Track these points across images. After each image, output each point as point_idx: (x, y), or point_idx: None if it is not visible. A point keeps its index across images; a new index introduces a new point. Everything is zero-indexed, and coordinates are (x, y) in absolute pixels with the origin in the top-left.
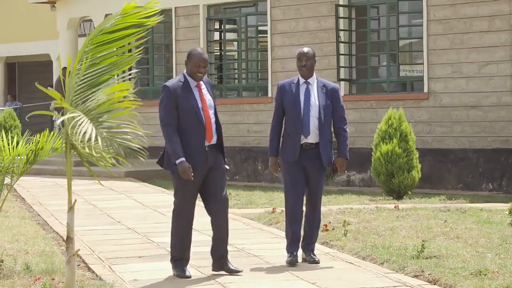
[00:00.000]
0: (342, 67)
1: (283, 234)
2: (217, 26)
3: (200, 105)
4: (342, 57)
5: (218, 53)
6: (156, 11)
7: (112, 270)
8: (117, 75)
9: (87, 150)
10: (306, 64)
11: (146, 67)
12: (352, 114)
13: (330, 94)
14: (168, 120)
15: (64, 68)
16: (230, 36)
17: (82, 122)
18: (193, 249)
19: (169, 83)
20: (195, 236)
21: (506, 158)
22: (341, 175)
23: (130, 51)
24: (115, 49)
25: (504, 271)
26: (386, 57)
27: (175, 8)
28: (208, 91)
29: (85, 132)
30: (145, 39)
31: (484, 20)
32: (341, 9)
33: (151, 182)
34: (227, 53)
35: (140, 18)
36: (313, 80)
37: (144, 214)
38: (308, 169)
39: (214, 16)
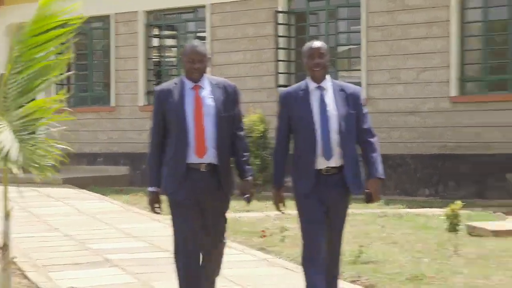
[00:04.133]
0: (281, 73)
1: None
2: (156, 32)
3: (189, 110)
4: (281, 64)
5: (157, 59)
6: (76, 10)
7: (49, 277)
8: (54, 78)
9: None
10: (320, 63)
11: (84, 73)
12: None
13: (351, 100)
14: (152, 133)
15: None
16: (169, 42)
17: (2, 131)
18: (134, 255)
19: (160, 85)
20: (135, 242)
21: (443, 164)
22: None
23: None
24: (51, 49)
25: (440, 276)
26: None
27: (114, 14)
28: (213, 94)
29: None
30: (75, 40)
31: (422, 26)
32: (280, 15)
33: (89, 188)
34: (167, 59)
35: (60, 19)
36: (327, 84)
37: (81, 221)
38: (329, 202)
39: (153, 22)
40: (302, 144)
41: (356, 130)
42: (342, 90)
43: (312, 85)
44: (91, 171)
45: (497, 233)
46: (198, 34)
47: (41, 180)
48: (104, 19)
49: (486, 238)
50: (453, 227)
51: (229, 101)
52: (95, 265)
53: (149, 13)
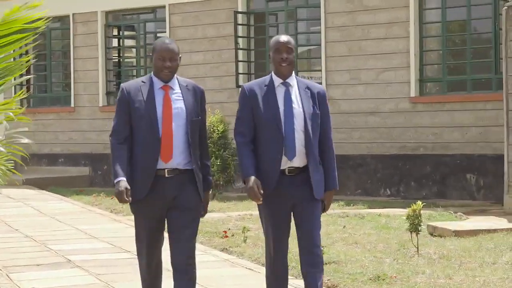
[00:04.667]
0: (241, 73)
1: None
2: (115, 32)
3: (158, 112)
4: (240, 64)
5: (117, 60)
6: (44, 16)
7: (10, 278)
8: (13, 80)
9: None
10: (288, 58)
11: (43, 74)
12: None
13: (317, 99)
14: (115, 129)
15: None
16: (128, 42)
17: None
18: (96, 256)
19: (127, 82)
20: (96, 243)
21: (403, 164)
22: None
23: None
24: (10, 52)
25: (401, 276)
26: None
27: (73, 14)
28: (183, 96)
29: None
30: (36, 42)
31: (382, 27)
32: (239, 16)
33: (49, 189)
34: (126, 60)
35: (25, 23)
36: (293, 81)
37: (42, 222)
38: (296, 202)
39: (112, 22)
40: (264, 142)
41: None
42: (308, 88)
43: (278, 80)
44: (52, 171)
45: (458, 233)
46: (158, 35)
47: (1, 181)
48: (63, 19)
49: (447, 238)
50: (414, 227)
51: (197, 105)
52: (56, 266)
53: (108, 13)
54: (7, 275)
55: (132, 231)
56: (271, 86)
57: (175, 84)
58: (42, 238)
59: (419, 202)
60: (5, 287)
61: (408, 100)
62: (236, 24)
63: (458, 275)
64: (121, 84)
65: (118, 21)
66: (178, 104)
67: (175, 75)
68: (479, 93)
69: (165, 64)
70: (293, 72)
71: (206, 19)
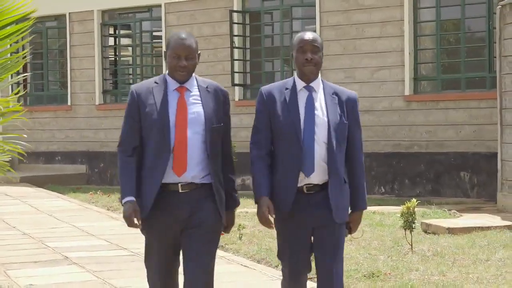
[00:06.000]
0: (237, 72)
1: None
2: (111, 31)
3: (171, 117)
4: (236, 63)
5: (113, 58)
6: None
7: (7, 275)
8: (10, 77)
9: None
10: (314, 58)
11: (40, 72)
12: (247, 119)
13: (346, 107)
14: (123, 139)
15: None
16: (124, 41)
17: None
18: (93, 253)
19: (137, 84)
20: (93, 241)
21: (398, 162)
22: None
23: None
24: (6, 47)
25: (396, 272)
26: (280, 62)
27: (69, 13)
28: (201, 99)
29: None
30: (30, 38)
31: (376, 26)
32: (235, 15)
33: (46, 187)
34: (122, 58)
35: (16, 16)
36: (318, 85)
37: (40, 219)
38: (315, 226)
39: (108, 21)
40: (281, 155)
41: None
42: (336, 93)
43: (301, 84)
44: (49, 169)
45: (451, 231)
46: (154, 34)
47: None
48: (59, 18)
49: (441, 236)
50: (408, 225)
51: (220, 109)
52: (53, 263)
53: (104, 12)
54: (5, 272)
55: (129, 230)
56: (293, 90)
57: (192, 85)
58: (40, 235)
59: (413, 200)
60: (3, 283)
61: (402, 98)
62: (231, 23)
63: (452, 272)
64: (131, 86)
65: (114, 20)
66: (195, 108)
67: (194, 74)
68: (473, 91)
69: (180, 63)
70: (319, 74)
71: (201, 18)
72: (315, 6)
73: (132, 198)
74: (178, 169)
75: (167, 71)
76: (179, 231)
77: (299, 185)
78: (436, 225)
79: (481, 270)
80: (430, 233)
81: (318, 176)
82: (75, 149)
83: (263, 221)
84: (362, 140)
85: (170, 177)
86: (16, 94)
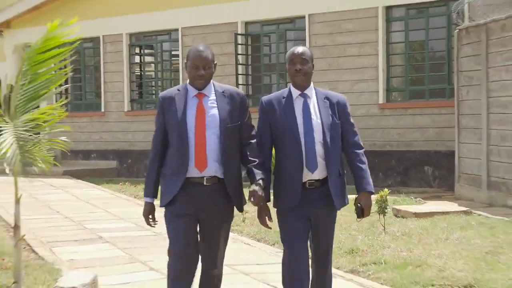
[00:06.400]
0: (240, 84)
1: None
2: (137, 51)
3: (190, 120)
4: (240, 77)
5: (139, 73)
6: (76, 33)
7: (53, 251)
8: (55, 89)
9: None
10: (302, 69)
11: (79, 85)
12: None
13: (337, 109)
14: (154, 144)
15: (11, 85)
16: (148, 59)
17: (4, 133)
18: (122, 233)
19: (164, 91)
20: (123, 223)
21: (373, 159)
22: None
23: (63, 69)
24: (52, 66)
25: (371, 249)
26: (276, 76)
27: (103, 36)
28: (217, 103)
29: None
30: (73, 57)
31: (355, 46)
32: (239, 37)
33: (84, 179)
34: (146, 73)
35: (63, 39)
36: (311, 92)
37: (79, 206)
38: (314, 217)
39: (135, 42)
40: (284, 156)
41: (341, 141)
42: (327, 98)
43: (296, 92)
44: (86, 165)
45: (417, 215)
46: (172, 53)
47: (41, 171)
48: (95, 40)
49: (408, 219)
50: (382, 210)
51: (236, 110)
52: (90, 241)
53: (131, 35)
54: (50, 249)
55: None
56: (289, 98)
57: (210, 91)
58: (79, 218)
59: (386, 190)
60: (49, 258)
61: (377, 106)
62: (236, 44)
63: (417, 249)
64: (159, 94)
65: (139, 42)
66: (212, 111)
67: (212, 81)
68: (435, 100)
69: (199, 73)
70: (311, 83)
71: (211, 39)
72: (305, 30)
73: (151, 200)
74: (200, 166)
75: (188, 80)
76: (197, 217)
77: (303, 180)
78: (405, 210)
79: (441, 247)
80: (399, 217)
81: (319, 172)
82: (107, 148)
83: (263, 224)
84: (358, 135)
85: (193, 172)
86: (60, 103)
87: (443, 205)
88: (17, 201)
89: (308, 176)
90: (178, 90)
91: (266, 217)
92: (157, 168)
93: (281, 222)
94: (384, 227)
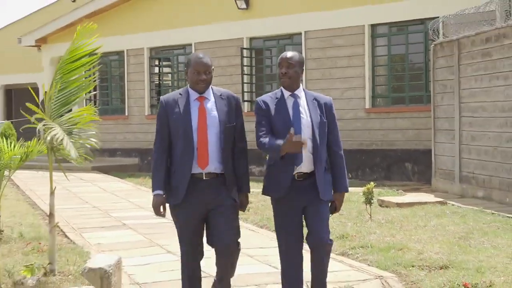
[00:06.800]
0: (246, 91)
1: None
2: (156, 63)
3: (193, 122)
4: (245, 85)
5: (157, 82)
6: (98, 44)
7: (82, 236)
8: (84, 95)
9: (63, 148)
10: (288, 72)
11: (106, 92)
12: (252, 125)
13: (324, 109)
14: (156, 141)
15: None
16: (166, 70)
17: (55, 130)
18: (143, 221)
19: (165, 95)
20: (144, 212)
21: (360, 156)
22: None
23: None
24: (82, 73)
25: (359, 235)
26: (276, 85)
27: (127, 50)
28: (216, 106)
29: (58, 137)
30: (100, 66)
31: (345, 59)
32: (244, 51)
33: (110, 174)
34: (164, 82)
35: (87, 49)
36: (301, 93)
37: (105, 197)
38: (305, 205)
39: (154, 55)
40: None
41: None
42: (315, 99)
43: (287, 93)
44: (112, 161)
45: (399, 205)
46: None
47: (73, 167)
48: (120, 53)
49: (391, 208)
50: (368, 201)
51: (232, 111)
52: (115, 228)
53: (151, 49)
54: (80, 234)
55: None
56: (281, 98)
57: (209, 94)
58: (105, 208)
59: (372, 183)
60: (79, 242)
61: (364, 110)
62: (242, 56)
63: (399, 234)
64: (160, 97)
65: (158, 55)
66: (212, 113)
67: (210, 85)
68: (414, 105)
69: (201, 78)
70: (301, 85)
71: (220, 53)
72: (301, 44)
73: (161, 192)
74: (202, 163)
75: (188, 85)
76: (205, 212)
77: (293, 172)
78: (388, 201)
79: (420, 233)
80: (384, 206)
81: (306, 165)
82: (130, 147)
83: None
84: (339, 135)
85: (196, 169)
86: (89, 107)
87: (422, 196)
88: (52, 193)
89: (296, 169)
90: (180, 94)
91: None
92: (165, 166)
93: (274, 210)
94: (370, 215)
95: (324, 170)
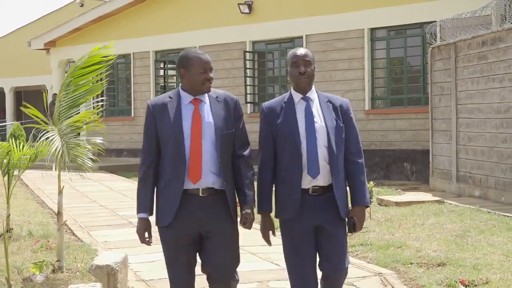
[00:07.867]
0: (248, 93)
1: None
2: (162, 65)
3: (186, 130)
4: (248, 87)
5: (163, 84)
6: (112, 54)
7: (90, 234)
8: (92, 98)
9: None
10: (306, 71)
11: (113, 94)
12: (255, 127)
13: (340, 112)
14: (143, 155)
15: (55, 94)
16: (171, 72)
17: (54, 139)
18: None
19: (153, 99)
20: None
21: None
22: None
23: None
24: (90, 79)
25: (359, 233)
26: (278, 87)
27: (133, 53)
28: (211, 109)
29: (58, 150)
30: (108, 72)
31: (345, 62)
32: (247, 53)
33: (117, 173)
34: (169, 84)
35: (101, 57)
36: (314, 95)
37: (112, 196)
38: (320, 226)
39: (160, 58)
40: (286, 162)
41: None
42: (330, 101)
43: (297, 96)
44: (118, 161)
45: (398, 204)
46: None
47: (79, 167)
48: (126, 56)
49: (390, 207)
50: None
51: (230, 116)
52: (121, 226)
53: (157, 52)
54: (88, 232)
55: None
56: (290, 102)
57: (204, 97)
58: (112, 206)
59: (371, 182)
60: (87, 240)
61: (363, 112)
62: (245, 59)
63: (398, 232)
64: (147, 101)
65: (163, 58)
66: (208, 118)
67: None
68: (413, 107)
69: (208, 76)
70: (313, 86)
71: (224, 56)
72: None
73: (146, 215)
74: (194, 177)
75: (180, 86)
76: (198, 234)
77: (305, 187)
78: (387, 200)
79: (418, 231)
80: (383, 205)
81: (323, 177)
82: (136, 147)
83: (265, 238)
84: (360, 141)
85: (188, 184)
86: (97, 109)
87: (420, 195)
88: (60, 192)
89: (311, 182)
90: (170, 97)
91: (270, 232)
92: (151, 183)
93: (283, 233)
94: (370, 214)
95: (343, 182)
